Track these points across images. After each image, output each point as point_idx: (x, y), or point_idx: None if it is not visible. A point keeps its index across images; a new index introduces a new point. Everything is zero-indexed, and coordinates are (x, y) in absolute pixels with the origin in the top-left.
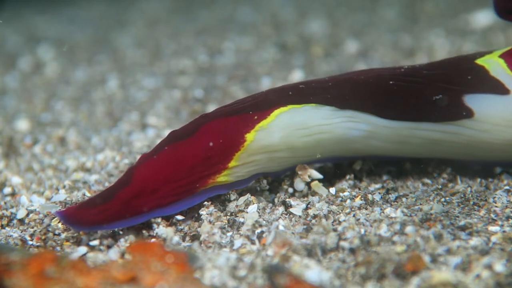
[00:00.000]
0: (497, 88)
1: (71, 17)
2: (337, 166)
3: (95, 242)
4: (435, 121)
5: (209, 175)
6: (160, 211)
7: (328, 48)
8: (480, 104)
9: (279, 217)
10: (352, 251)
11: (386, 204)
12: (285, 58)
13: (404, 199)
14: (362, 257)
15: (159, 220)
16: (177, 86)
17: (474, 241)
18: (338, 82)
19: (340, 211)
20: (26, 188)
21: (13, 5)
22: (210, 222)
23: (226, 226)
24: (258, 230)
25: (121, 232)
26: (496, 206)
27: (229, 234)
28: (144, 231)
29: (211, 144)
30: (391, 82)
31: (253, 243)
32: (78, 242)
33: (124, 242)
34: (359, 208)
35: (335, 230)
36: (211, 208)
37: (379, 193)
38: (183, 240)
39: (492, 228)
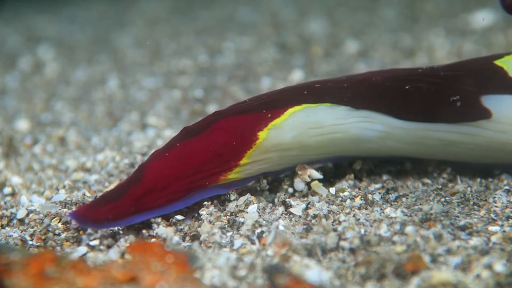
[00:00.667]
0: None
1: (71, 17)
2: (337, 166)
3: (95, 242)
4: (452, 122)
5: (220, 172)
6: (171, 207)
7: (328, 48)
8: (498, 105)
9: (279, 217)
10: (352, 251)
11: (386, 204)
12: (285, 58)
13: (404, 199)
14: (362, 257)
15: (159, 220)
16: (177, 86)
17: (474, 241)
18: (355, 82)
19: (340, 211)
20: (26, 188)
21: (13, 5)
22: (210, 222)
23: (226, 226)
24: (258, 230)
25: (121, 232)
26: (496, 206)
27: (229, 234)
28: (144, 231)
29: (223, 141)
30: (408, 83)
31: (253, 243)
32: (78, 242)
33: (124, 242)
34: (359, 208)
35: (335, 230)
36: (211, 208)
37: (379, 193)
38: (183, 240)
39: (492, 228)
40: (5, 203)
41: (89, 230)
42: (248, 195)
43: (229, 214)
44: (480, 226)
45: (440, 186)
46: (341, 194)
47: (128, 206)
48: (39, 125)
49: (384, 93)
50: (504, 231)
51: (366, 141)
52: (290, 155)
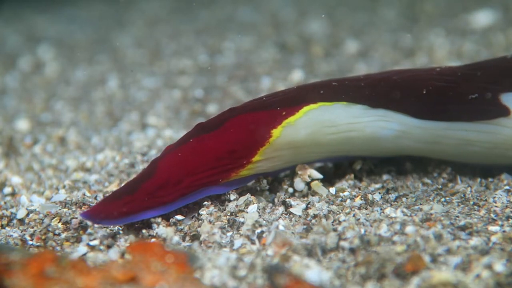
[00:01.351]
0: None
1: (71, 17)
2: (337, 166)
3: (95, 242)
4: (471, 121)
5: (233, 169)
6: (184, 201)
7: (328, 48)
8: None
9: (279, 217)
10: (352, 251)
11: (386, 204)
12: (285, 58)
13: (404, 199)
14: (362, 257)
15: (159, 220)
16: (177, 86)
17: (474, 241)
18: (372, 81)
19: (340, 211)
20: (26, 188)
21: (13, 5)
22: (210, 222)
23: (226, 226)
24: (258, 230)
25: (121, 232)
26: (496, 206)
27: (229, 234)
28: (144, 231)
29: (236, 138)
30: (427, 82)
31: (253, 243)
32: (78, 242)
33: (124, 242)
34: (359, 208)
35: (335, 230)
36: (211, 208)
37: (379, 193)
38: (183, 240)
39: (492, 228)
40: (5, 203)
41: (89, 230)
42: (248, 195)
43: (229, 214)
44: (480, 226)
45: (440, 186)
46: (341, 194)
47: (141, 200)
48: (39, 125)
49: (403, 92)
50: (504, 231)
51: (382, 140)
52: (304, 152)
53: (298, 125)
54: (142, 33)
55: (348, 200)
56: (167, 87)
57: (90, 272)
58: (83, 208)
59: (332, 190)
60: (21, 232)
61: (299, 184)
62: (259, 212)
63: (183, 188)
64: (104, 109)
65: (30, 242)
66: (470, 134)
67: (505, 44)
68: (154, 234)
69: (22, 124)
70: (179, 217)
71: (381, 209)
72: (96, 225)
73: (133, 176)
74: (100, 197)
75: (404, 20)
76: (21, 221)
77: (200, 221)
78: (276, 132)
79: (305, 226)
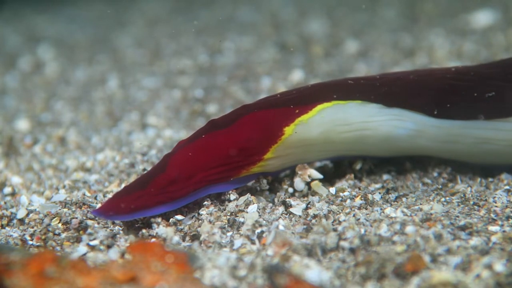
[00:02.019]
0: None
1: (71, 17)
2: (337, 166)
3: (95, 242)
4: (488, 119)
5: (244, 166)
6: (195, 196)
7: (328, 48)
8: None
9: (279, 217)
10: (352, 251)
11: (386, 204)
12: (285, 58)
13: (404, 199)
14: (362, 257)
15: (159, 220)
16: (177, 86)
17: (474, 241)
18: (388, 80)
19: (340, 211)
20: (26, 188)
21: (13, 5)
22: (210, 222)
23: (226, 226)
24: (258, 230)
25: (121, 232)
26: (496, 206)
27: (229, 234)
28: (144, 231)
29: (248, 135)
30: (443, 81)
31: (253, 243)
32: (78, 242)
33: (124, 242)
34: (359, 208)
35: (335, 230)
36: (211, 208)
37: (379, 193)
38: (183, 240)
39: (492, 228)
40: (5, 203)
41: (89, 230)
42: (248, 195)
43: (229, 214)
44: (480, 226)
45: (440, 186)
46: (341, 194)
47: (152, 195)
48: (39, 125)
49: (419, 92)
50: (504, 231)
51: (397, 139)
52: (315, 151)
53: (311, 123)
54: (142, 33)
55: (348, 200)
56: (167, 87)
57: (90, 272)
58: (83, 208)
59: (332, 190)
60: (21, 232)
61: (299, 184)
62: (259, 212)
63: (194, 184)
64: (104, 109)
65: (30, 242)
66: (488, 133)
67: (505, 44)
68: (154, 234)
69: (22, 124)
70: (179, 217)
71: (381, 209)
72: (107, 221)
73: (133, 176)
74: (100, 197)
75: (404, 20)
76: (21, 221)
77: (200, 221)
78: (288, 130)
79: (305, 226)
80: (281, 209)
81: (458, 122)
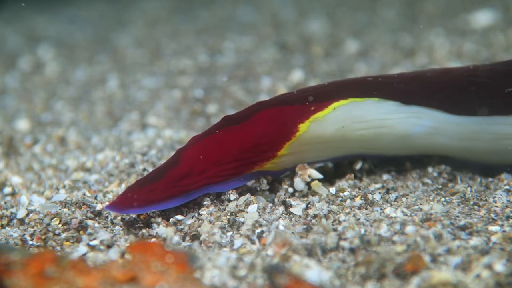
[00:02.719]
0: None
1: (71, 17)
2: (337, 166)
3: (95, 242)
4: (508, 114)
5: (257, 162)
6: (207, 189)
7: (328, 48)
8: None
9: (279, 217)
10: (352, 251)
11: (386, 204)
12: (285, 58)
13: (404, 199)
14: (362, 257)
15: (159, 220)
16: (177, 86)
17: (474, 241)
18: (406, 78)
19: (340, 211)
20: (26, 188)
21: (13, 5)
22: (210, 222)
23: (226, 226)
24: (258, 230)
25: (121, 232)
26: (496, 206)
27: (229, 234)
28: (144, 231)
29: (263, 131)
30: (461, 78)
31: (253, 243)
32: (78, 242)
33: (124, 242)
34: (359, 208)
35: (335, 230)
36: (211, 208)
37: (379, 193)
38: (183, 240)
39: (492, 228)
40: (5, 203)
41: (89, 230)
42: (248, 195)
43: (229, 214)
44: (480, 226)
45: (440, 186)
46: (341, 194)
47: (165, 188)
48: (39, 125)
49: (438, 89)
50: (504, 231)
51: (414, 137)
52: (330, 148)
53: (326, 120)
54: (142, 33)
55: (348, 200)
56: (167, 87)
57: (90, 272)
58: (83, 208)
59: (332, 190)
60: (21, 232)
61: (299, 184)
62: (259, 212)
63: (207, 178)
64: (104, 109)
65: (30, 242)
66: (507, 128)
67: (505, 44)
68: (154, 234)
69: (22, 124)
70: (179, 217)
71: (381, 209)
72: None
73: (133, 176)
74: (100, 197)
75: (404, 20)
76: (21, 221)
77: (200, 221)
78: (303, 127)
79: (305, 226)
80: (281, 209)
81: (477, 118)
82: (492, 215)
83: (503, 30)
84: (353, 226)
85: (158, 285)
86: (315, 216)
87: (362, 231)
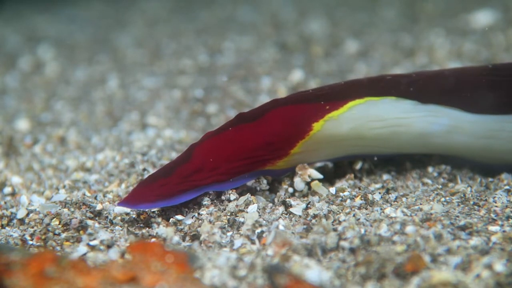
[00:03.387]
0: None
1: (71, 17)
2: (337, 166)
3: (95, 242)
4: None
5: (269, 160)
6: (218, 186)
7: (328, 48)
8: None
9: (279, 217)
10: (352, 251)
11: (386, 204)
12: (285, 58)
13: (404, 199)
14: (362, 257)
15: (159, 220)
16: (177, 86)
17: (474, 240)
18: (424, 77)
19: (340, 211)
20: (26, 188)
21: (13, 5)
22: (210, 222)
23: (226, 226)
24: (258, 230)
25: (121, 232)
26: (496, 206)
27: (229, 234)
28: (144, 231)
29: (276, 129)
30: (479, 76)
31: (253, 243)
32: (78, 242)
33: (124, 242)
34: (359, 208)
35: (335, 230)
36: (211, 208)
37: (379, 193)
38: (183, 240)
39: (492, 228)
40: (5, 203)
41: (89, 230)
42: (248, 195)
43: (229, 214)
44: (480, 226)
45: (440, 186)
46: (341, 194)
47: (176, 183)
48: (39, 125)
49: (455, 87)
50: (504, 231)
51: (431, 135)
52: (345, 146)
53: (341, 119)
54: (142, 33)
55: (348, 200)
56: (167, 87)
57: (90, 272)
58: (83, 208)
59: (332, 190)
60: (21, 232)
61: (299, 184)
62: (259, 212)
63: (219, 174)
64: (104, 109)
65: (30, 242)
66: None
67: (505, 44)
68: (154, 234)
69: (22, 124)
70: (179, 217)
71: (381, 209)
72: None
73: (133, 176)
74: (100, 197)
75: (404, 20)
76: (21, 221)
77: (200, 221)
78: (317, 126)
79: (305, 226)
80: (281, 209)
81: (494, 116)
82: (492, 215)
83: (503, 30)
84: (353, 226)
85: (158, 285)
86: (315, 216)
87: (362, 231)
